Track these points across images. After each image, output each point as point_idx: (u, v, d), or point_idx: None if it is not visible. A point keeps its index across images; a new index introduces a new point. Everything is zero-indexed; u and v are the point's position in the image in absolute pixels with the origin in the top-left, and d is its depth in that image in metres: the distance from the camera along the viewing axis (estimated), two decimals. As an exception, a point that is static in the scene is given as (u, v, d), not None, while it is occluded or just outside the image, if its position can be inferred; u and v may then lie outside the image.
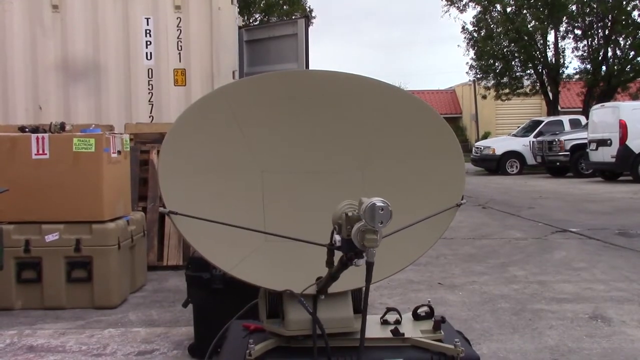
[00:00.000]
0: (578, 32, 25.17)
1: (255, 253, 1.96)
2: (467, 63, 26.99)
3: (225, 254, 1.93)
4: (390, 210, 1.50)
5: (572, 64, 62.72)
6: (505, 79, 26.15)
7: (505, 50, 25.94)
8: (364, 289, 1.65)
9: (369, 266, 1.55)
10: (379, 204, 1.48)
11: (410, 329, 2.02)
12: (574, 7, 24.16)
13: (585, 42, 25.04)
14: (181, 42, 6.51)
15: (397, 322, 2.06)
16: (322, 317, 1.89)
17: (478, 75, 26.99)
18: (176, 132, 2.05)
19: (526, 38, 24.54)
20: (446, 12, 27.30)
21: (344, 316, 1.95)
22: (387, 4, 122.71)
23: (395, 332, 1.99)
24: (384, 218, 1.48)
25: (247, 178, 2.06)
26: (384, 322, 2.07)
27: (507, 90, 26.33)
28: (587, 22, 24.78)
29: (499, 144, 20.73)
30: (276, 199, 2.06)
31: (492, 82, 26.50)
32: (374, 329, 2.03)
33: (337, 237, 1.60)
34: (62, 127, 4.75)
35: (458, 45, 65.79)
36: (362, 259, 1.57)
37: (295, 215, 2.05)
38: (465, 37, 26.86)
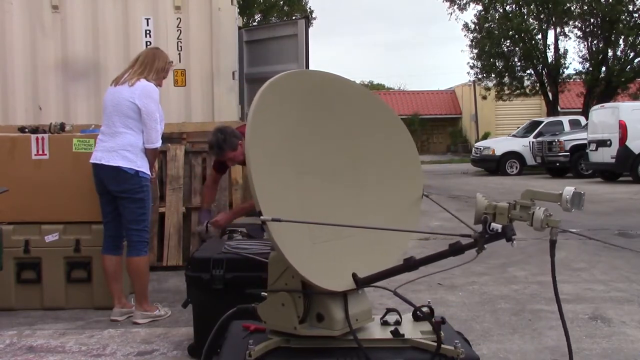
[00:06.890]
0: (579, 32, 25.12)
1: (310, 257, 1.91)
2: (468, 63, 26.88)
3: (303, 261, 1.85)
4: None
5: (573, 65, 62.69)
6: (506, 79, 26.06)
7: (505, 49, 25.87)
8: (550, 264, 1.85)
9: (553, 243, 1.83)
10: (581, 192, 1.80)
11: (410, 330, 2.02)
12: (573, 7, 24.09)
13: (586, 42, 24.98)
14: (181, 42, 6.50)
15: (397, 322, 2.06)
16: (353, 312, 1.93)
17: (479, 76, 26.89)
18: (257, 128, 1.83)
19: (522, 35, 24.46)
20: (451, 13, 27.22)
21: (366, 309, 2.02)
22: (388, 5, 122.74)
23: (395, 333, 1.98)
24: (583, 203, 1.81)
25: (286, 178, 1.97)
26: (384, 323, 2.07)
27: (507, 91, 26.27)
28: (588, 22, 24.72)
29: (499, 145, 20.68)
30: (311, 199, 2.02)
31: (494, 82, 26.42)
32: (374, 330, 2.03)
33: (497, 225, 1.85)
34: (61, 127, 4.76)
35: (462, 51, 66.20)
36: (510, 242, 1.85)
37: (325, 212, 2.02)
38: (466, 36, 26.82)
